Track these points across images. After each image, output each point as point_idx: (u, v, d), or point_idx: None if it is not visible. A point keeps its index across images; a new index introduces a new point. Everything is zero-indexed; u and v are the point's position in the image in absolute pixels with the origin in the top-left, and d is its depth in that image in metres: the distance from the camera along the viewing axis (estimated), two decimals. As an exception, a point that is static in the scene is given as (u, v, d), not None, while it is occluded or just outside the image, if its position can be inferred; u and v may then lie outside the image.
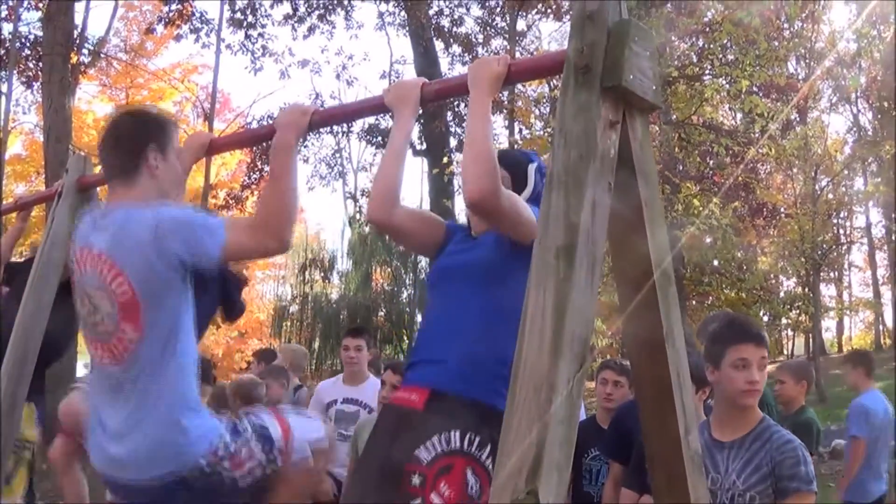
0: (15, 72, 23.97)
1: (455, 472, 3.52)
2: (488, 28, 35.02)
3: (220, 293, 5.50)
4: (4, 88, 24.85)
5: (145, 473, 3.67)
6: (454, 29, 32.88)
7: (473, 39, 33.89)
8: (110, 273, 3.69)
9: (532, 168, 4.06)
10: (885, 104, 47.36)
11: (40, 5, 22.29)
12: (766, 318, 34.50)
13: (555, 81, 26.76)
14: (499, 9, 35.61)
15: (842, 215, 53.10)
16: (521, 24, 35.86)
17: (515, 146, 29.90)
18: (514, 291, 3.61)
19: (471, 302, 3.78)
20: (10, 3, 23.65)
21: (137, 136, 3.91)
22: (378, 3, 31.81)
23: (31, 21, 25.44)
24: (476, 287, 3.79)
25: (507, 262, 3.74)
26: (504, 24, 35.63)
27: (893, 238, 52.76)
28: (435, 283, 4.09)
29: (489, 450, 3.54)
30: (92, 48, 29.99)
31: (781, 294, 42.47)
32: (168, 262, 3.63)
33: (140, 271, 3.65)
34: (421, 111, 3.99)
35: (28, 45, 24.15)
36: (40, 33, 21.53)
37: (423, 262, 38.08)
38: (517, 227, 3.62)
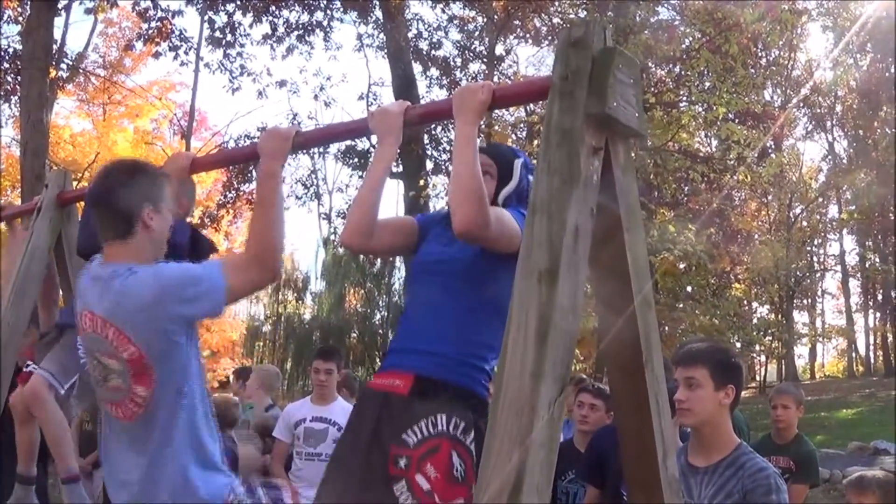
0: (-7, 85, 23.91)
1: (441, 455, 3.53)
2: (466, 52, 35.07)
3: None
4: (-19, 102, 24.80)
5: None
6: (433, 52, 32.90)
7: (452, 63, 33.91)
8: (116, 337, 3.68)
9: (518, 163, 4.03)
10: (860, 132, 47.72)
11: (20, 19, 22.23)
12: (739, 345, 34.59)
13: (531, 106, 26.87)
14: (477, 33, 35.71)
15: (816, 242, 53.43)
16: (499, 49, 35.96)
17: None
18: (497, 285, 3.66)
19: (454, 295, 3.78)
20: (-11, 17, 23.58)
21: (131, 198, 3.83)
22: (357, 24, 31.84)
23: (10, 35, 25.37)
24: (459, 280, 3.79)
25: (490, 256, 3.72)
26: (482, 48, 35.71)
27: (867, 265, 53.07)
28: (417, 275, 4.08)
29: (473, 435, 3.57)
30: (71, 63, 29.96)
31: (755, 320, 42.68)
32: (172, 320, 3.64)
33: (145, 333, 3.65)
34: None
35: (6, 58, 24.05)
36: (19, 47, 21.46)
37: (397, 283, 38.09)
38: (505, 243, 3.60)
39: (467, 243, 3.63)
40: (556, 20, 29.67)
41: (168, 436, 3.68)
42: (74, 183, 7.52)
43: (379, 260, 34.85)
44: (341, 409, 7.84)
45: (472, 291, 3.73)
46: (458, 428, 3.58)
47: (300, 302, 42.63)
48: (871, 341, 63.07)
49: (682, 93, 24.93)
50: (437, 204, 26.81)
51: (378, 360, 36.16)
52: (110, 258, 3.84)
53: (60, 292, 6.06)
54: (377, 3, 28.20)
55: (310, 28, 28.86)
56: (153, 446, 3.69)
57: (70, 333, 5.18)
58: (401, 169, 27.76)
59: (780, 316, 44.77)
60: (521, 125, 30.54)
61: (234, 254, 3.96)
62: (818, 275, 56.74)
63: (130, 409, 3.72)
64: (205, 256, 5.46)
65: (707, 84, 23.97)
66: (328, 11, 29.10)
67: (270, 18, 27.62)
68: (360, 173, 31.22)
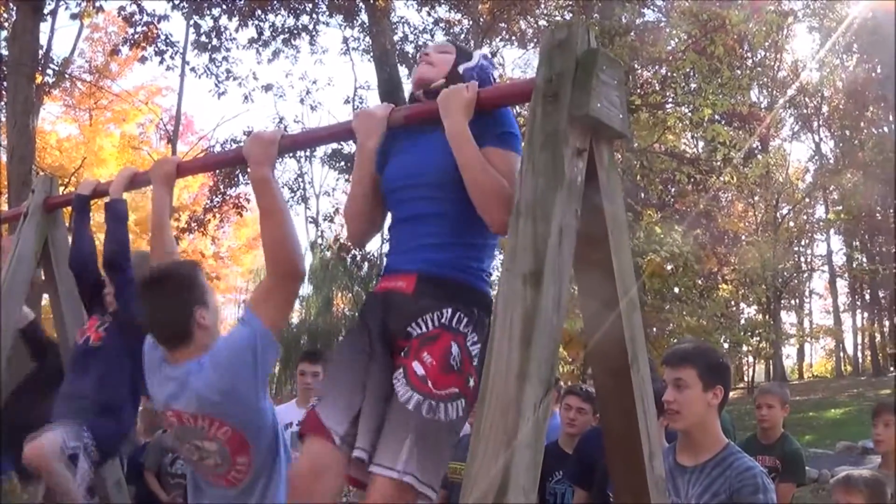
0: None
1: (439, 343, 3.56)
2: (452, 54, 35.02)
3: None
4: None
5: None
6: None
7: (438, 65, 33.88)
8: (209, 424, 3.95)
9: (478, 53, 4.16)
10: (847, 132, 47.80)
11: (5, 24, 22.15)
12: (726, 345, 34.57)
13: (518, 109, 26.88)
14: (463, 35, 35.69)
15: (803, 243, 53.48)
16: (485, 51, 35.94)
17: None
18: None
19: (436, 201, 3.80)
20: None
21: (184, 307, 4.05)
22: (343, 28, 31.76)
23: (-4, 40, 25.31)
24: (438, 188, 3.79)
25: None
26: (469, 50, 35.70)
27: (854, 265, 53.14)
28: (396, 193, 4.00)
29: (475, 329, 3.62)
30: (57, 68, 29.83)
31: (742, 321, 42.62)
32: (250, 390, 3.96)
33: (234, 412, 3.95)
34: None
35: (-8, 63, 23.99)
36: (5, 52, 21.38)
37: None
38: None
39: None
40: (541, 22, 29.69)
41: (270, 490, 4.10)
42: (61, 188, 7.51)
43: (366, 264, 34.73)
44: None
45: (455, 196, 3.71)
46: (461, 322, 3.61)
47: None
48: (859, 341, 63.17)
49: (667, 94, 24.92)
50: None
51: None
52: (178, 360, 4.06)
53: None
54: (363, 6, 28.13)
55: (295, 32, 28.79)
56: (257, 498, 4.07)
57: (68, 422, 5.32)
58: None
59: (767, 316, 44.76)
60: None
61: (259, 288, 4.07)
62: (805, 275, 56.78)
63: (236, 477, 4.06)
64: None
65: (693, 85, 23.96)
66: (314, 15, 29.04)
67: (256, 22, 27.55)
68: (347, 177, 31.10)
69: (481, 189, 3.50)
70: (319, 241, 39.75)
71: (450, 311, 3.62)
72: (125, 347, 5.47)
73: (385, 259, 4.14)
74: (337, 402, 3.68)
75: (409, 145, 4.00)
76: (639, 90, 25.03)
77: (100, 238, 5.74)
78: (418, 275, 3.72)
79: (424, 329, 3.61)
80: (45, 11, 22.53)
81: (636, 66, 26.09)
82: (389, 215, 4.13)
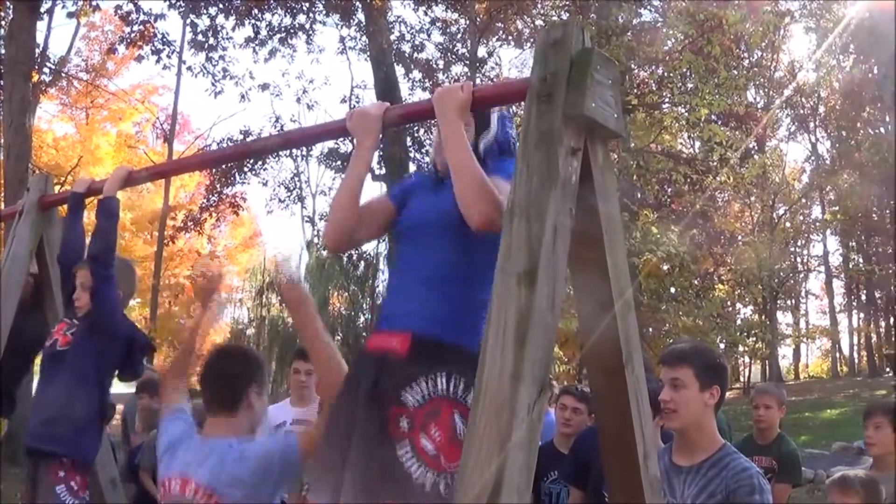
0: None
1: (443, 416, 3.50)
2: (449, 54, 35.07)
3: (123, 351, 5.61)
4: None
5: None
6: (415, 55, 32.88)
7: (434, 65, 33.91)
8: (207, 501, 4.03)
9: (495, 115, 3.99)
10: (843, 133, 47.84)
11: (2, 23, 22.14)
12: (722, 346, 34.59)
13: (514, 108, 26.88)
14: (460, 35, 35.69)
15: (799, 243, 53.53)
16: (481, 51, 35.98)
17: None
18: (487, 238, 3.61)
19: (446, 250, 3.74)
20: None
21: (243, 379, 4.31)
22: (339, 27, 31.74)
23: (-8, 39, 25.30)
24: (450, 236, 3.73)
25: None
26: (465, 50, 35.72)
27: (850, 266, 53.18)
28: (405, 235, 4.00)
29: (473, 394, 3.55)
30: (53, 67, 29.84)
31: (738, 321, 42.60)
32: (264, 495, 4.07)
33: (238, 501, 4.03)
34: (382, 135, 3.96)
35: (-11, 62, 23.97)
36: (2, 51, 21.37)
37: (381, 286, 37.98)
38: None
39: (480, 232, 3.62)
40: (538, 22, 29.72)
41: None
42: (57, 187, 7.46)
43: (363, 263, 34.74)
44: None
45: (466, 245, 3.67)
46: (457, 387, 3.55)
47: (284, 305, 42.48)
48: (855, 342, 63.23)
49: (664, 94, 24.93)
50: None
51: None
52: (214, 431, 4.27)
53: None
54: (359, 5, 28.12)
55: (292, 31, 28.79)
56: None
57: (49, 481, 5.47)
58: (383, 171, 27.73)
59: (763, 317, 44.73)
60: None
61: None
62: (802, 275, 56.82)
63: None
64: (138, 353, 5.66)
65: (689, 85, 23.99)
66: (311, 14, 29.02)
67: (253, 22, 27.53)
68: (343, 176, 31.19)
69: (469, 183, 3.45)
70: (315, 240, 39.72)
71: (444, 376, 3.57)
72: (93, 351, 5.49)
73: (381, 305, 4.12)
74: (326, 484, 3.68)
75: (429, 192, 3.99)
76: (635, 90, 25.06)
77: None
78: (412, 335, 3.65)
79: (420, 397, 3.56)
80: (42, 10, 22.57)
81: (633, 65, 26.14)
82: (395, 258, 4.10)
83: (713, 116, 25.50)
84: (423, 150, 31.39)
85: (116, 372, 5.84)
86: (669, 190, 31.79)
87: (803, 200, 50.33)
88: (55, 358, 5.55)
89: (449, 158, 3.55)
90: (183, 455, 4.26)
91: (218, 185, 31.18)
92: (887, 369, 50.73)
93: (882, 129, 46.82)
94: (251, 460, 4.04)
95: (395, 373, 3.61)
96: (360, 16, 29.33)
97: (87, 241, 5.74)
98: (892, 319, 56.69)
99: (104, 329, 5.48)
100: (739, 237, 46.23)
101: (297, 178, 42.59)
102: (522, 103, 3.14)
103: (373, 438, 3.57)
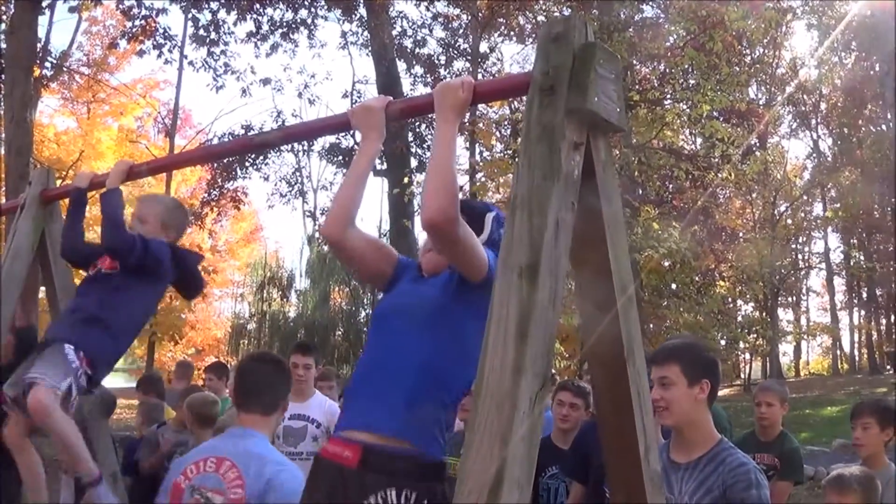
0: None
1: None
2: (451, 50, 35.08)
3: (179, 271, 5.53)
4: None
5: None
6: (417, 50, 32.95)
7: (436, 61, 33.93)
8: (233, 478, 4.41)
9: (490, 216, 4.02)
10: (845, 130, 47.84)
11: (3, 18, 22.12)
12: (723, 342, 34.57)
13: (516, 103, 26.84)
14: (461, 30, 35.69)
15: (800, 240, 53.54)
16: (483, 47, 36.00)
17: (476, 167, 29.92)
18: (459, 335, 3.64)
19: (413, 344, 3.72)
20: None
21: (282, 388, 4.89)
22: (341, 22, 31.83)
23: (-6, 33, 25.28)
24: (420, 328, 3.73)
25: (454, 305, 3.71)
26: (467, 45, 35.72)
27: (851, 263, 53.19)
28: (379, 320, 4.03)
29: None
30: (55, 61, 29.86)
31: (739, 318, 42.64)
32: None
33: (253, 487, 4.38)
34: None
35: (-10, 57, 23.95)
36: (3, 45, 21.35)
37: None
38: (470, 259, 3.59)
39: (436, 242, 3.60)
40: (540, 18, 29.68)
41: None
42: (58, 181, 7.44)
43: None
44: (318, 405, 7.86)
45: (436, 339, 3.67)
46: (409, 501, 3.53)
47: (285, 300, 42.49)
48: (856, 339, 63.26)
49: (666, 90, 24.93)
50: (422, 201, 26.77)
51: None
52: (247, 424, 4.74)
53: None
54: (361, 0, 28.14)
55: (294, 26, 28.85)
56: None
57: (56, 346, 5.14)
58: (385, 167, 27.75)
59: (764, 313, 44.73)
60: (505, 123, 30.52)
61: None
62: (803, 272, 56.85)
63: None
64: (193, 269, 5.61)
65: (691, 82, 23.98)
66: (312, 9, 29.10)
67: (255, 16, 27.60)
68: (345, 171, 31.14)
69: (439, 177, 3.42)
70: (317, 235, 39.74)
71: (394, 492, 3.54)
72: (138, 280, 5.38)
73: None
74: None
75: (413, 284, 4.02)
76: (637, 86, 25.05)
77: (96, 231, 5.70)
78: (363, 448, 3.64)
79: None
80: (44, 4, 22.59)
81: (635, 62, 26.12)
82: (366, 345, 4.17)
83: (715, 113, 25.47)
84: (425, 146, 31.43)
85: (179, 291, 5.83)
86: (671, 186, 31.81)
87: (804, 197, 50.34)
88: (98, 279, 5.40)
89: (433, 152, 3.54)
90: (214, 441, 4.89)
91: (219, 180, 31.25)
92: (888, 367, 50.77)
93: (884, 127, 46.89)
94: (277, 492, 4.34)
95: (348, 486, 3.63)
96: (362, 11, 29.41)
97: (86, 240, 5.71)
98: (892, 317, 56.83)
99: (151, 270, 5.41)
100: (741, 234, 46.29)
101: (298, 173, 42.76)
102: (524, 98, 3.14)
103: None
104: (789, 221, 47.94)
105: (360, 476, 3.59)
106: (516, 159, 3.32)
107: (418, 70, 33.48)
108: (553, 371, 8.79)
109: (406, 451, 3.59)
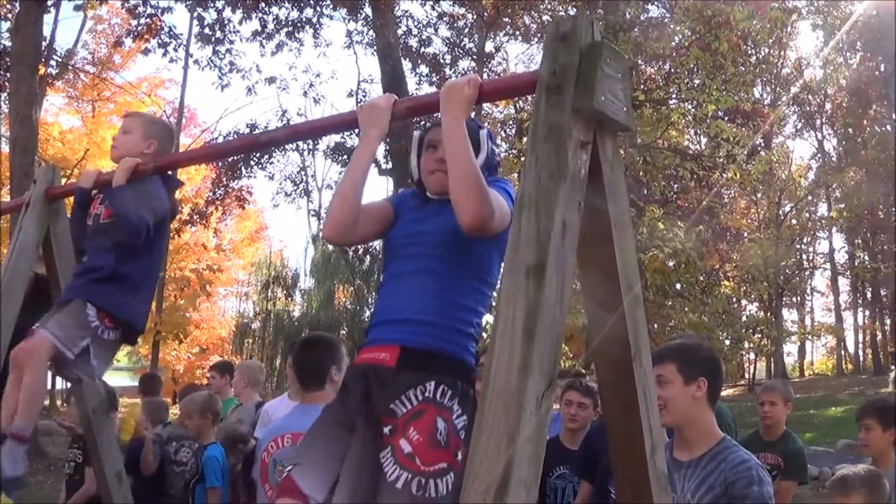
0: (-18, 82, 23.80)
1: (425, 419, 3.54)
2: (456, 49, 35.06)
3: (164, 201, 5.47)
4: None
5: None
6: (422, 49, 32.87)
7: (441, 60, 33.89)
8: None
9: (483, 133, 4.02)
10: (850, 130, 47.81)
11: (9, 16, 22.15)
12: (728, 342, 34.55)
13: (521, 103, 26.86)
14: (467, 30, 35.67)
15: (805, 240, 53.50)
16: (489, 46, 35.98)
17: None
18: (479, 254, 3.72)
19: (434, 262, 3.78)
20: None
21: (325, 363, 5.46)
22: (346, 21, 31.73)
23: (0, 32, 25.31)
24: (442, 251, 3.78)
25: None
26: (472, 45, 35.70)
27: (856, 263, 53.16)
28: (396, 249, 4.02)
29: (459, 402, 3.61)
30: (60, 60, 29.88)
31: (744, 318, 42.62)
32: None
33: None
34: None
35: (-4, 55, 23.98)
36: (8, 44, 21.38)
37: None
38: (502, 224, 3.59)
39: (471, 235, 3.60)
40: (545, 17, 29.69)
41: None
42: (63, 179, 7.45)
43: (368, 257, 34.75)
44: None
45: (452, 258, 3.74)
46: (445, 395, 3.59)
47: (289, 299, 42.58)
48: (860, 339, 63.31)
49: (671, 90, 24.94)
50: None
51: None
52: (309, 400, 5.43)
53: None
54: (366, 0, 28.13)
55: (299, 25, 28.79)
56: None
57: (76, 305, 5.12)
58: (390, 165, 27.73)
59: (769, 313, 44.75)
60: (511, 122, 30.53)
61: None
62: (807, 272, 56.88)
63: None
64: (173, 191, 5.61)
65: (697, 81, 23.97)
66: (318, 8, 29.02)
67: (260, 15, 27.54)
68: (345, 170, 31.21)
69: (465, 182, 3.44)
70: (321, 234, 39.73)
71: (433, 384, 3.60)
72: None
73: (369, 329, 4.05)
74: (315, 470, 3.66)
75: (418, 210, 4.06)
76: (643, 86, 25.06)
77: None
78: (401, 347, 3.69)
79: (409, 406, 3.59)
80: (49, 3, 22.54)
81: (640, 61, 26.12)
82: (382, 276, 4.15)
83: (720, 113, 25.44)
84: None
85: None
86: (676, 186, 31.81)
87: (809, 198, 50.30)
88: (100, 232, 5.35)
89: (448, 154, 3.55)
90: (286, 420, 5.68)
91: (224, 179, 31.22)
92: (892, 367, 50.70)
93: (888, 127, 46.79)
94: None
95: (385, 384, 3.66)
96: (368, 10, 29.33)
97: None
98: (896, 317, 56.74)
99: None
100: (745, 234, 46.31)
101: (303, 172, 42.80)
102: (529, 98, 3.13)
103: (363, 457, 3.60)
104: (794, 221, 47.95)
105: (396, 373, 3.66)
106: (522, 158, 3.32)
107: (423, 69, 33.41)
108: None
109: (443, 352, 3.69)
